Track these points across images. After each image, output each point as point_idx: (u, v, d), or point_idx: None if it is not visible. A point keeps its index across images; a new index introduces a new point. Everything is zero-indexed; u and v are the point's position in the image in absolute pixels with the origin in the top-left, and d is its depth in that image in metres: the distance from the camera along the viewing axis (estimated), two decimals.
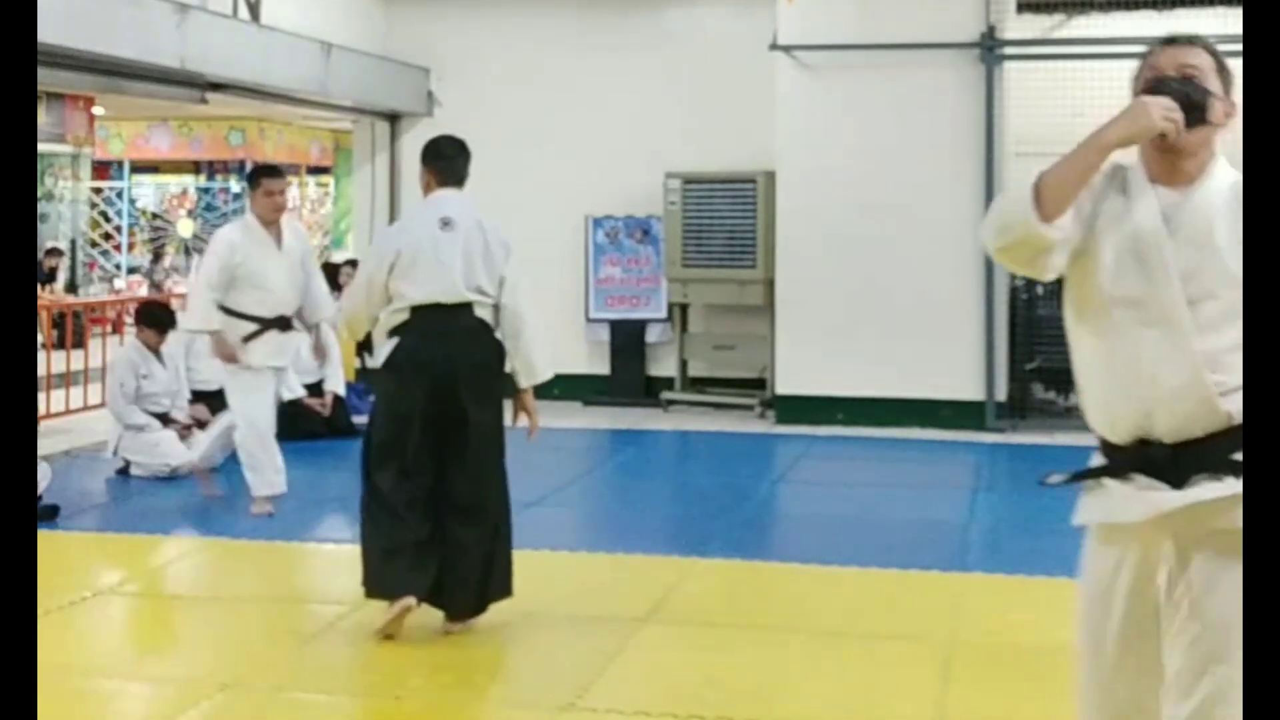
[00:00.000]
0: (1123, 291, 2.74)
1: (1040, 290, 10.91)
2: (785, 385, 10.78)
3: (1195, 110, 2.74)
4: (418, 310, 5.25)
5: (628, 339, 12.05)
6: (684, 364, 11.78)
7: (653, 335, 12.06)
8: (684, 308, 11.71)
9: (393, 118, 12.55)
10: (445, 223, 5.36)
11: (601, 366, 12.06)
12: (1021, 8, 11.25)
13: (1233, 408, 2.67)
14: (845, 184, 10.54)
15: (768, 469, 9.30)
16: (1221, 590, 2.67)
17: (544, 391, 12.74)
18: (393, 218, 12.01)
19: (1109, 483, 2.82)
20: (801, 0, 10.64)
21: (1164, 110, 2.72)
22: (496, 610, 5.43)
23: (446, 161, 5.62)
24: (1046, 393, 11.22)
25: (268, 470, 7.42)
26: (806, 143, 10.67)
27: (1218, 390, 2.67)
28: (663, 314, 11.93)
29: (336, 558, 6.70)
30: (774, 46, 10.71)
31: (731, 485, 8.51)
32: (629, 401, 11.76)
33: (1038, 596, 5.92)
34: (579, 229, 11.99)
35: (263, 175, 7.57)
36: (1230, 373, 2.66)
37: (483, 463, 5.31)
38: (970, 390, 10.36)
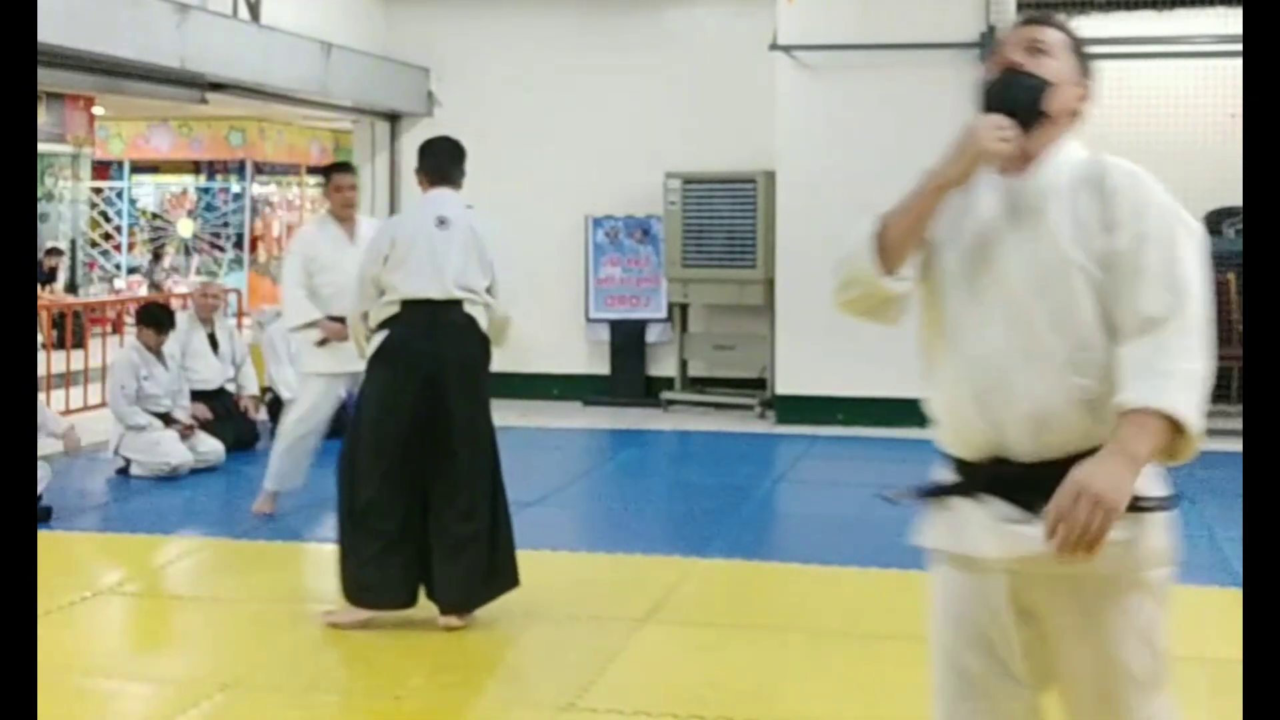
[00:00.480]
0: (968, 292, 2.54)
1: None
2: (785, 385, 10.78)
3: (1031, 110, 2.55)
4: (408, 304, 5.31)
5: (628, 339, 12.05)
6: (684, 364, 11.78)
7: (653, 335, 12.06)
8: (684, 308, 11.71)
9: (393, 118, 12.55)
10: (441, 221, 5.43)
11: (601, 366, 12.06)
12: (1021, 8, 11.25)
13: (1098, 420, 2.42)
14: (845, 184, 10.53)
15: (768, 469, 9.30)
16: (1087, 649, 2.50)
17: (544, 391, 12.80)
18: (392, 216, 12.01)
19: (959, 504, 2.58)
20: (801, 0, 10.65)
21: (995, 133, 2.51)
22: (497, 610, 5.43)
23: (439, 162, 5.67)
24: None
25: (293, 473, 7.33)
26: (806, 143, 10.67)
27: (1081, 398, 2.43)
28: (663, 314, 11.93)
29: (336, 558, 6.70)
30: (774, 46, 10.71)
31: (731, 485, 8.51)
32: (629, 401, 11.76)
33: None
34: (579, 229, 11.99)
35: (333, 171, 7.56)
36: (1096, 377, 2.42)
37: (474, 457, 5.33)
38: None
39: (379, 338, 5.35)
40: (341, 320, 7.01)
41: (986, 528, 2.51)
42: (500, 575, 5.38)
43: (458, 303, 5.35)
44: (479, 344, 5.44)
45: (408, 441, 5.24)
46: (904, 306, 2.63)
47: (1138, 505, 2.40)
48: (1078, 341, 2.44)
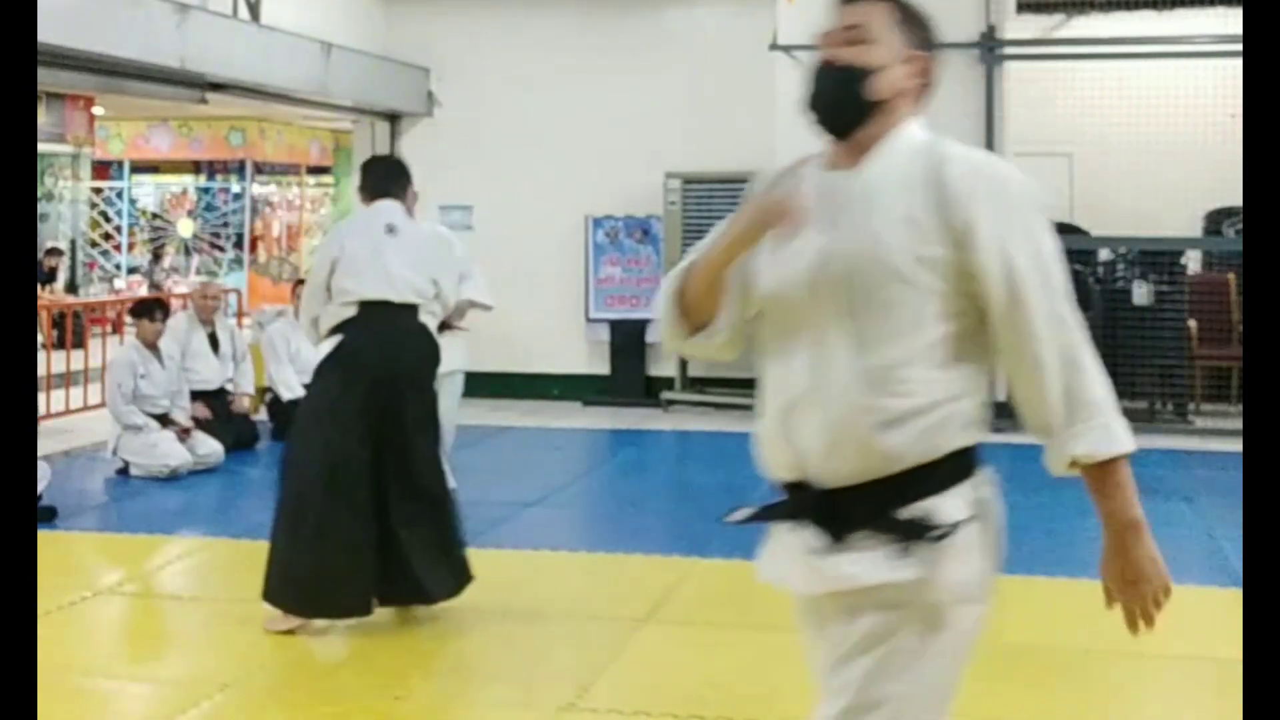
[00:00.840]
0: (777, 303, 2.36)
1: None
2: None
3: (850, 107, 2.38)
4: (364, 307, 5.34)
5: (628, 339, 12.04)
6: (684, 364, 11.77)
7: (653, 335, 12.06)
8: None
9: (393, 118, 12.54)
10: (390, 228, 5.49)
11: (601, 366, 12.06)
12: (1021, 8, 11.26)
13: (898, 442, 2.25)
14: None
15: None
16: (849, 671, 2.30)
17: (544, 391, 12.80)
18: None
19: (779, 529, 2.42)
20: (801, 0, 10.65)
21: (778, 208, 2.34)
22: (497, 610, 5.42)
23: (377, 179, 5.73)
24: None
25: None
26: (806, 143, 10.65)
27: (880, 419, 2.24)
28: None
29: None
30: (774, 46, 10.71)
31: (731, 485, 8.50)
32: (629, 401, 11.75)
33: (1038, 596, 5.92)
34: (579, 229, 11.99)
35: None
36: (904, 395, 2.25)
37: (426, 459, 5.40)
38: None
39: (330, 342, 5.37)
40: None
41: (795, 559, 2.36)
42: (462, 570, 5.42)
43: (411, 307, 5.40)
44: (431, 350, 5.51)
45: (355, 446, 5.23)
46: (739, 344, 2.50)
47: (926, 531, 2.26)
48: (894, 358, 2.25)
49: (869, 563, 2.27)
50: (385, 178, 5.72)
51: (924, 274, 2.25)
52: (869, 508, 2.27)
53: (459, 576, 5.41)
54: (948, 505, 2.29)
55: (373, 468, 5.25)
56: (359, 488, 5.20)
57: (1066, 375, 2.27)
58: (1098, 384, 2.30)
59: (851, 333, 2.27)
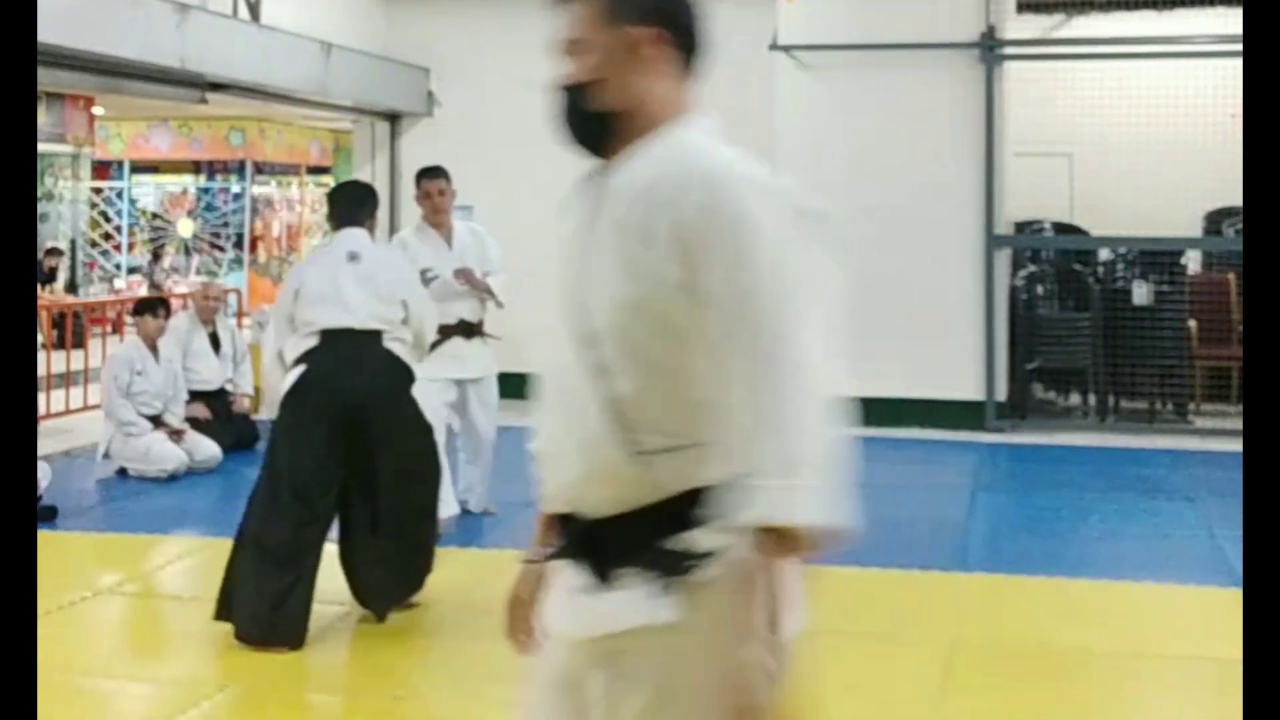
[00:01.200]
0: (541, 325, 2.22)
1: (1040, 290, 10.93)
2: None
3: (585, 129, 2.20)
4: (326, 335, 5.36)
5: None
6: None
7: None
8: None
9: (393, 118, 12.54)
10: (352, 255, 5.51)
11: None
12: (1021, 8, 11.26)
13: (661, 474, 2.04)
14: (845, 184, 10.53)
15: None
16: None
17: None
18: (392, 217, 12.01)
19: (558, 567, 2.21)
20: (801, 0, 10.65)
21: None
22: (497, 610, 5.42)
23: (343, 208, 5.75)
24: (1046, 393, 11.23)
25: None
26: (806, 143, 10.67)
27: (633, 450, 2.04)
28: None
29: (336, 558, 6.69)
30: (774, 46, 10.70)
31: None
32: None
33: (1038, 596, 5.92)
34: None
35: (420, 176, 7.22)
36: (651, 431, 2.03)
37: (395, 479, 5.37)
38: (970, 390, 10.36)
39: (295, 373, 5.37)
40: (462, 329, 6.92)
41: (563, 600, 2.17)
42: (417, 577, 5.50)
43: (375, 334, 5.41)
44: (398, 373, 5.49)
45: (321, 476, 5.25)
46: None
47: (689, 564, 2.04)
48: (631, 391, 2.04)
49: (629, 603, 2.05)
50: (352, 205, 5.74)
51: (663, 301, 2.02)
52: (634, 542, 2.05)
53: (409, 584, 5.48)
54: (711, 540, 2.03)
55: (337, 489, 5.28)
56: (318, 510, 5.23)
57: (762, 421, 1.96)
58: (803, 438, 2.00)
59: (590, 364, 2.07)
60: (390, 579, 5.44)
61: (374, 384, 5.38)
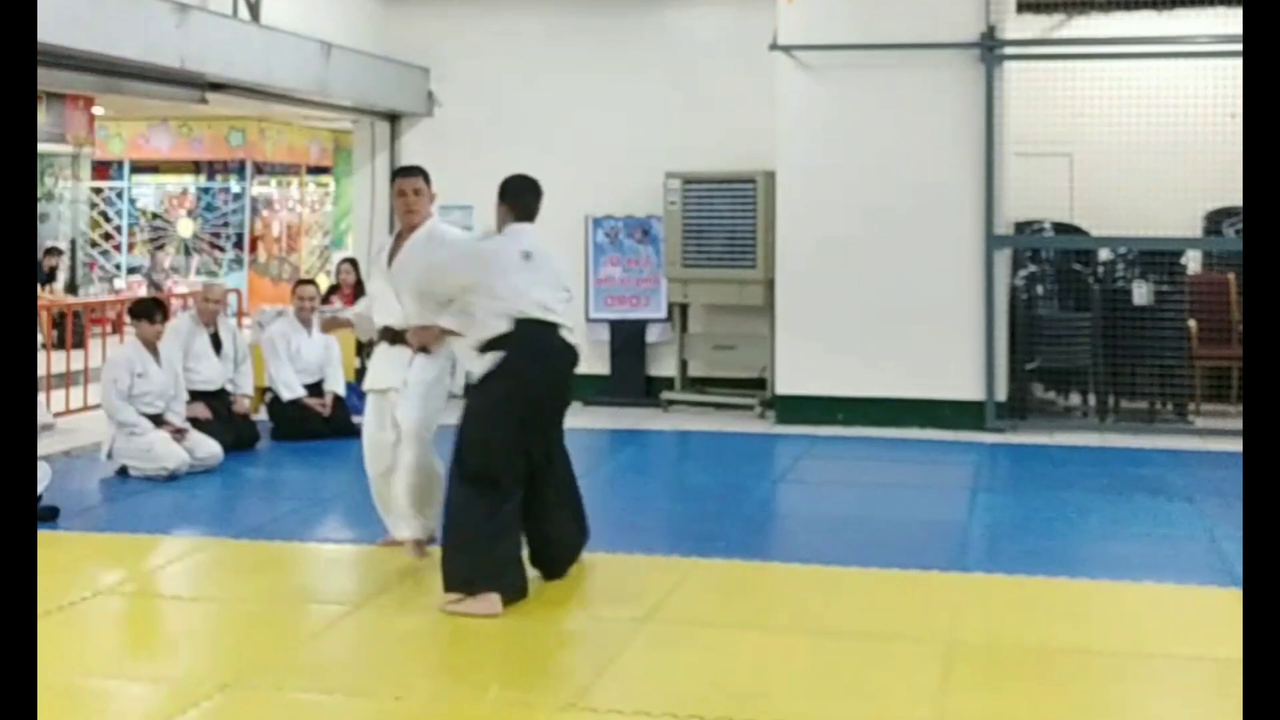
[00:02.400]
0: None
1: (1040, 290, 10.93)
2: (785, 385, 10.78)
3: None
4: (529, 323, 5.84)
5: (628, 339, 12.05)
6: (684, 364, 11.78)
7: (653, 335, 12.06)
8: (684, 308, 11.71)
9: (393, 118, 12.55)
10: (526, 255, 6.06)
11: (601, 366, 12.05)
12: (1021, 8, 11.26)
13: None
14: (845, 184, 10.55)
15: (768, 469, 9.30)
16: None
17: None
18: (393, 218, 12.00)
19: None
20: (801, 0, 10.65)
21: None
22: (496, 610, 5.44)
23: (521, 199, 6.40)
24: (1046, 393, 11.23)
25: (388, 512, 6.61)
26: (806, 143, 10.67)
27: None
28: (663, 314, 11.93)
29: (336, 558, 6.70)
30: (774, 46, 10.71)
31: (731, 485, 8.51)
32: (629, 401, 11.76)
33: (1038, 596, 5.92)
34: (579, 229, 11.99)
35: (394, 175, 6.84)
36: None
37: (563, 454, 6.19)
38: (970, 390, 10.36)
39: (492, 357, 5.76)
40: (386, 334, 6.54)
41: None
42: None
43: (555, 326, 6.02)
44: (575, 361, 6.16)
45: (532, 441, 5.86)
46: None
47: None
48: None
49: None
50: (533, 198, 6.48)
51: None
52: None
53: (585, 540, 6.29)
54: None
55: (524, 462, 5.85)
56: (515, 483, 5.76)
57: None
58: None
59: None
60: (581, 538, 6.25)
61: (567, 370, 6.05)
